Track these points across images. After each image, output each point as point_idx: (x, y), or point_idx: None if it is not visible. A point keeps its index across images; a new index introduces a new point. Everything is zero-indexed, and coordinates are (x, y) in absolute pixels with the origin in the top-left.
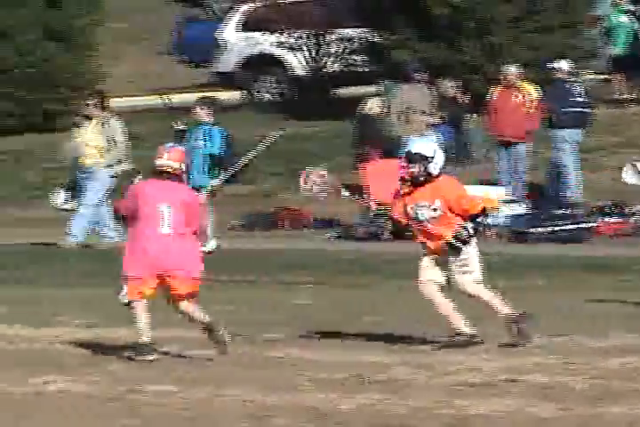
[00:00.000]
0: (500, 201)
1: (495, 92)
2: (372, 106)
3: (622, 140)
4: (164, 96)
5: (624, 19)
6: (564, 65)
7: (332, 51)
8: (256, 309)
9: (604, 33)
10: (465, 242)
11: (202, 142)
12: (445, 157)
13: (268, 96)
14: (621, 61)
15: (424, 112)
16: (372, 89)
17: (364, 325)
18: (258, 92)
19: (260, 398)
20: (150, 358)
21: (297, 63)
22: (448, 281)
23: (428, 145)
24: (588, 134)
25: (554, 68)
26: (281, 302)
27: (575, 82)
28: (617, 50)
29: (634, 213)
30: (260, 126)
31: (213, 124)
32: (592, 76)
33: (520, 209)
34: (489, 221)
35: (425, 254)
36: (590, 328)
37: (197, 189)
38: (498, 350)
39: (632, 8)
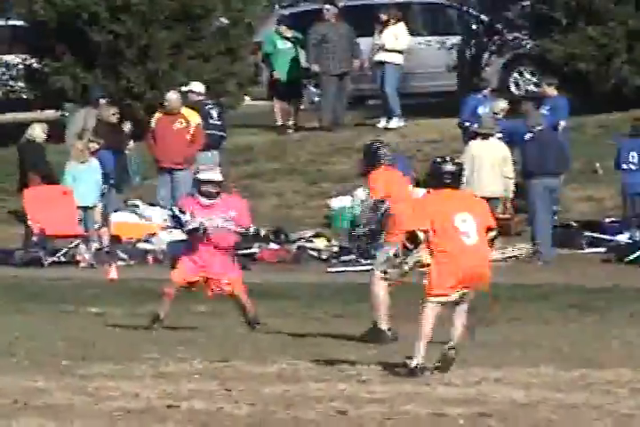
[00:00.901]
0: (162, 227)
1: (156, 119)
2: (35, 132)
3: (282, 167)
4: None
5: (286, 45)
6: (198, 87)
7: None
8: None
9: (263, 59)
10: None
11: None
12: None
13: None
14: (282, 88)
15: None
16: (33, 115)
17: (22, 349)
18: None
19: None
20: None
21: None
22: None
23: None
24: (247, 161)
25: (190, 91)
26: None
27: (212, 104)
28: (278, 76)
29: (294, 241)
30: None
31: None
32: (253, 103)
33: (180, 235)
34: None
35: None
36: (249, 355)
37: None
38: (156, 376)
39: (290, 35)
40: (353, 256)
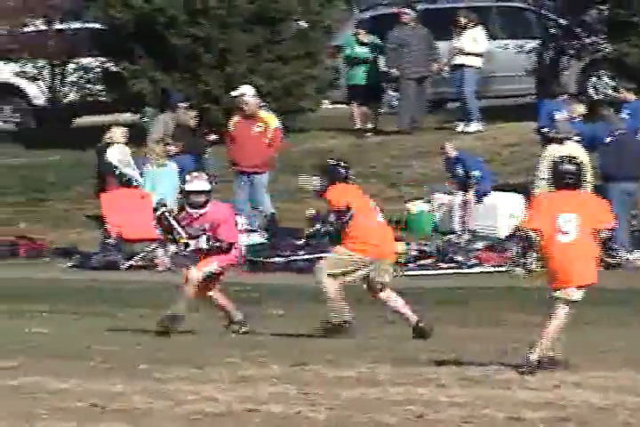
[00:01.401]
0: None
1: (234, 122)
2: (115, 135)
3: (361, 170)
4: None
5: (364, 50)
6: (249, 91)
7: (71, 80)
8: None
9: (343, 63)
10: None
11: None
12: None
13: (5, 126)
14: (360, 91)
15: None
16: (111, 118)
17: (99, 353)
18: None
19: None
20: None
21: (37, 92)
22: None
23: None
24: None
25: (240, 95)
26: (17, 330)
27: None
28: (356, 80)
29: None
30: (1, 156)
31: None
32: (331, 106)
33: (258, 238)
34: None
35: None
36: (329, 358)
37: None
38: (235, 380)
39: (367, 40)
40: (431, 260)
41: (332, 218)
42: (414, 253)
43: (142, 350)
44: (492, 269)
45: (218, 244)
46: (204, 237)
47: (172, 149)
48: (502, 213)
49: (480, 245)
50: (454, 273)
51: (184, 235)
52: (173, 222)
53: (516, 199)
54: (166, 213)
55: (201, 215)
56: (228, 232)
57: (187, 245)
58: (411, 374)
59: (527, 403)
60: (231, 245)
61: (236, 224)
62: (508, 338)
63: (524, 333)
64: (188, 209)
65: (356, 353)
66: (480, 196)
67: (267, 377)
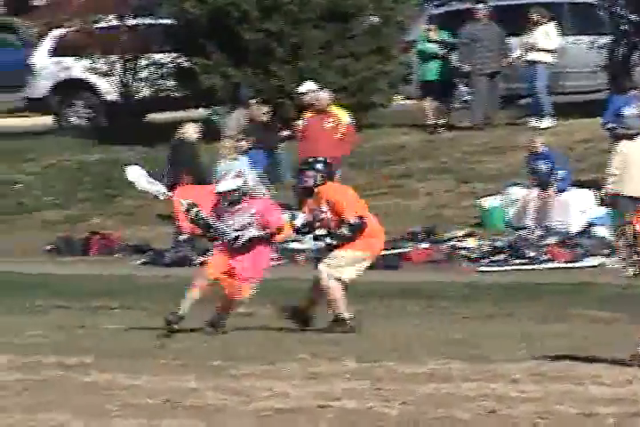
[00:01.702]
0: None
1: (306, 118)
2: (188, 131)
3: (433, 166)
4: None
5: (435, 45)
6: (311, 87)
7: (143, 76)
8: (67, 333)
9: (415, 58)
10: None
11: None
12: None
13: (79, 121)
14: (432, 87)
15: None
16: (183, 114)
17: (172, 351)
18: (69, 117)
19: (71, 424)
20: None
21: (108, 88)
22: None
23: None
24: (398, 160)
25: (308, 91)
26: (90, 326)
27: None
28: (428, 75)
29: (446, 240)
30: (73, 151)
31: None
32: (403, 102)
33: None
34: (299, 245)
35: None
36: (402, 354)
37: None
38: (306, 376)
39: (437, 36)
40: (504, 255)
41: (345, 231)
42: (487, 248)
43: (214, 346)
44: (564, 265)
45: (266, 231)
46: (252, 228)
47: (244, 144)
48: (574, 208)
49: (552, 240)
50: (526, 269)
51: (227, 229)
52: (209, 219)
53: (588, 195)
54: (199, 213)
55: (239, 210)
56: (272, 218)
57: (237, 237)
58: (483, 370)
59: (599, 399)
60: (280, 229)
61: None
62: (580, 334)
63: (594, 329)
64: (226, 207)
65: (427, 350)
66: (558, 193)
67: (339, 373)
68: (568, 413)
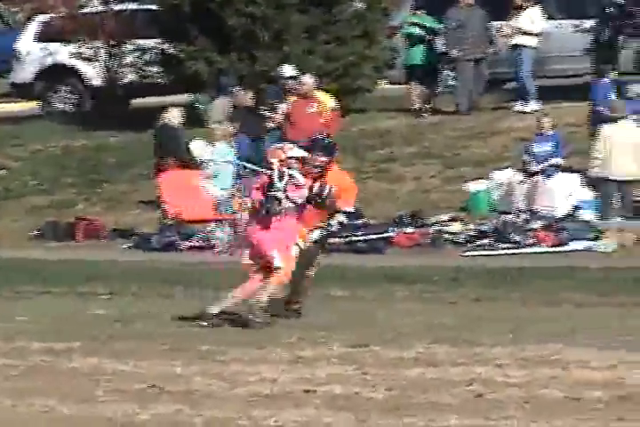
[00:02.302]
0: None
1: (291, 102)
2: (172, 115)
3: (419, 151)
4: None
5: (420, 29)
6: (287, 70)
7: (128, 61)
8: (52, 319)
9: (400, 44)
10: None
11: None
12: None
13: (64, 107)
14: (417, 71)
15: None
16: (168, 99)
17: (159, 335)
18: (54, 103)
19: (58, 409)
20: None
21: (93, 74)
22: None
23: None
24: (383, 145)
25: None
26: (77, 312)
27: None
28: (413, 60)
29: (431, 224)
30: (59, 137)
31: None
32: (389, 86)
33: None
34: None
35: None
36: (388, 338)
37: None
38: (293, 361)
39: (420, 21)
40: (488, 240)
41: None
42: (472, 233)
43: (204, 331)
44: (550, 249)
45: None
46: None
47: (231, 130)
48: (560, 193)
49: (538, 224)
50: (512, 253)
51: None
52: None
53: (574, 179)
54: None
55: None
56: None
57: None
58: (469, 354)
59: (585, 383)
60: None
61: None
62: (565, 318)
63: (580, 313)
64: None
65: (413, 334)
66: (545, 178)
67: (325, 358)
68: (554, 397)
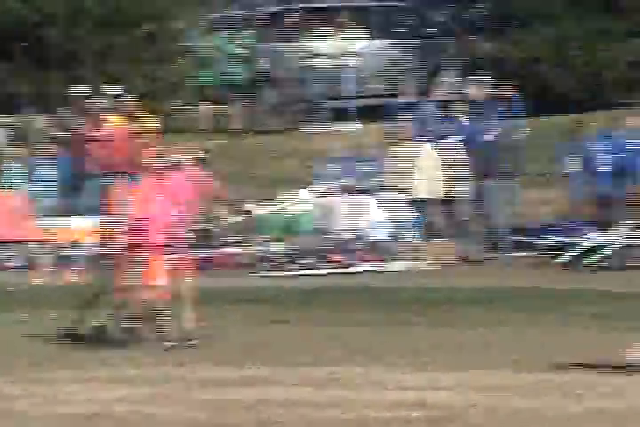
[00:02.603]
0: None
1: (109, 123)
2: None
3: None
4: None
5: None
6: (113, 89)
7: None
8: None
9: (195, 63)
10: None
11: None
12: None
13: None
14: (236, 91)
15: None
16: None
17: None
18: None
19: None
20: None
21: None
22: None
23: None
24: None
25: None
26: None
27: None
28: (208, 80)
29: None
30: None
31: None
32: (180, 107)
33: None
34: None
35: None
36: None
37: None
38: (116, 381)
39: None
40: (280, 261)
41: None
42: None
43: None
44: (340, 271)
45: None
46: None
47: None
48: (352, 214)
49: (331, 245)
50: (315, 274)
51: None
52: None
53: (368, 201)
54: None
55: None
56: None
57: None
58: (289, 374)
59: (407, 404)
60: None
61: None
62: (356, 338)
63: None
64: None
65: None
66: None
67: (144, 378)
68: (375, 418)
